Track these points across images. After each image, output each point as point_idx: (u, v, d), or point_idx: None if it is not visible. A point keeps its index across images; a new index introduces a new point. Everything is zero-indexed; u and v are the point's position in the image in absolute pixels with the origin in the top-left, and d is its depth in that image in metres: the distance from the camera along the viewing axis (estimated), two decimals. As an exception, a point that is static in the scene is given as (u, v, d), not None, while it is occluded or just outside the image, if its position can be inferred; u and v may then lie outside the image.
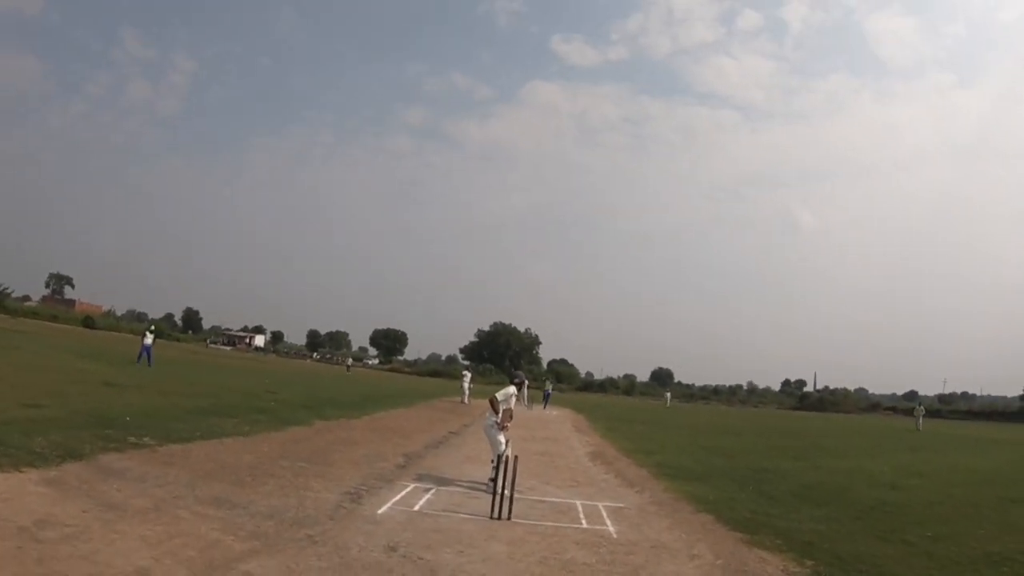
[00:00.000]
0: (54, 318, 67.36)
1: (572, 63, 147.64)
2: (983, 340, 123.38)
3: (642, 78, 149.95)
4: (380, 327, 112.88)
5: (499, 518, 7.42)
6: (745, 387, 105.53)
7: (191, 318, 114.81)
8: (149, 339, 25.85)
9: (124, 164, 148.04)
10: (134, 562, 4.75)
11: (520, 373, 10.43)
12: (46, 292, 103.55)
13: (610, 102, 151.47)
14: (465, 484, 9.50)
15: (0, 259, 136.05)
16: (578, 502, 8.92)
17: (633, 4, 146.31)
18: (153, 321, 79.32)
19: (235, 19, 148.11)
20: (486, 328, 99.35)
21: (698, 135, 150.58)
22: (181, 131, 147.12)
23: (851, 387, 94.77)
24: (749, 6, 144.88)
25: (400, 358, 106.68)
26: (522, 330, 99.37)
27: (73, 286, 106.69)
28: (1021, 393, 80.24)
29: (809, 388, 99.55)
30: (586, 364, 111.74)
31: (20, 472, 6.52)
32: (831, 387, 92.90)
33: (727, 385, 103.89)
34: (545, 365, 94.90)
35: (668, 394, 66.07)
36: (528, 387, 34.54)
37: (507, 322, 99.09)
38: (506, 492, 7.66)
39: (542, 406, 32.97)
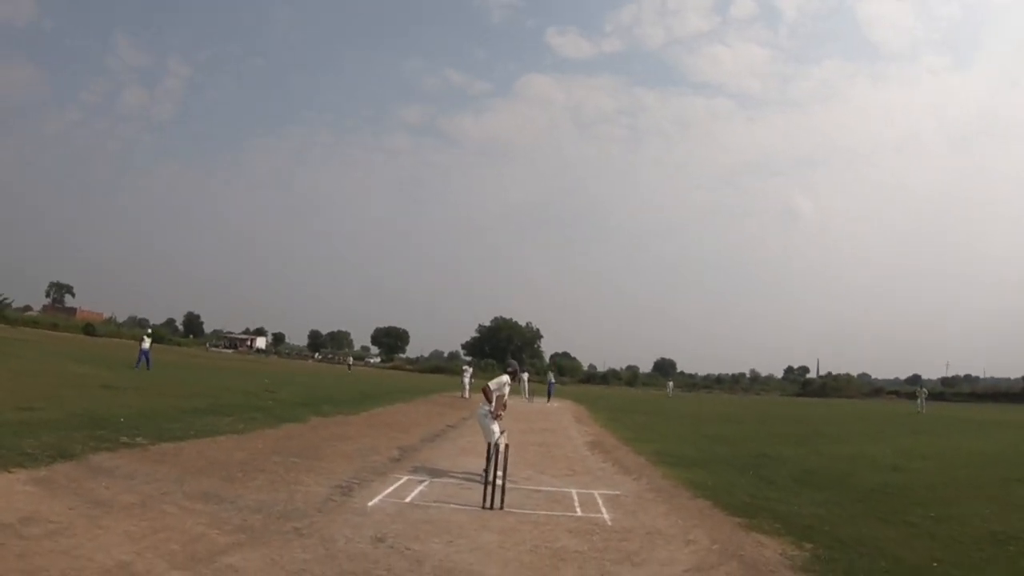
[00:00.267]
0: (54, 326, 67.39)
1: (567, 55, 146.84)
2: (985, 322, 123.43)
3: (637, 69, 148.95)
4: (381, 326, 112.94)
5: (491, 508, 7.33)
6: (748, 375, 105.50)
7: (192, 323, 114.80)
8: (147, 343, 25.95)
9: (122, 170, 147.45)
10: (115, 556, 4.71)
11: (513, 362, 10.29)
12: (47, 301, 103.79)
13: (605, 94, 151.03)
14: (459, 475, 9.41)
15: (0, 270, 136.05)
16: (573, 490, 8.83)
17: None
18: (154, 327, 79.81)
19: (229, 22, 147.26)
20: (487, 323, 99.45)
21: (694, 125, 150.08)
22: (178, 135, 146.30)
23: (854, 372, 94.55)
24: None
25: (402, 356, 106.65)
26: (523, 324, 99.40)
27: (74, 294, 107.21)
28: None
29: (812, 374, 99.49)
30: (588, 357, 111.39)
31: (9, 472, 6.53)
32: (834, 373, 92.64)
33: (730, 374, 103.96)
34: (547, 359, 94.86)
35: (670, 384, 66.01)
36: (529, 380, 34.68)
37: (508, 317, 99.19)
38: (498, 481, 7.57)
39: (545, 399, 32.87)
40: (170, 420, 11.23)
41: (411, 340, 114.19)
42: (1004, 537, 6.84)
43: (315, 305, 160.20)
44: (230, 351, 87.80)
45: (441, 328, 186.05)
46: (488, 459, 7.96)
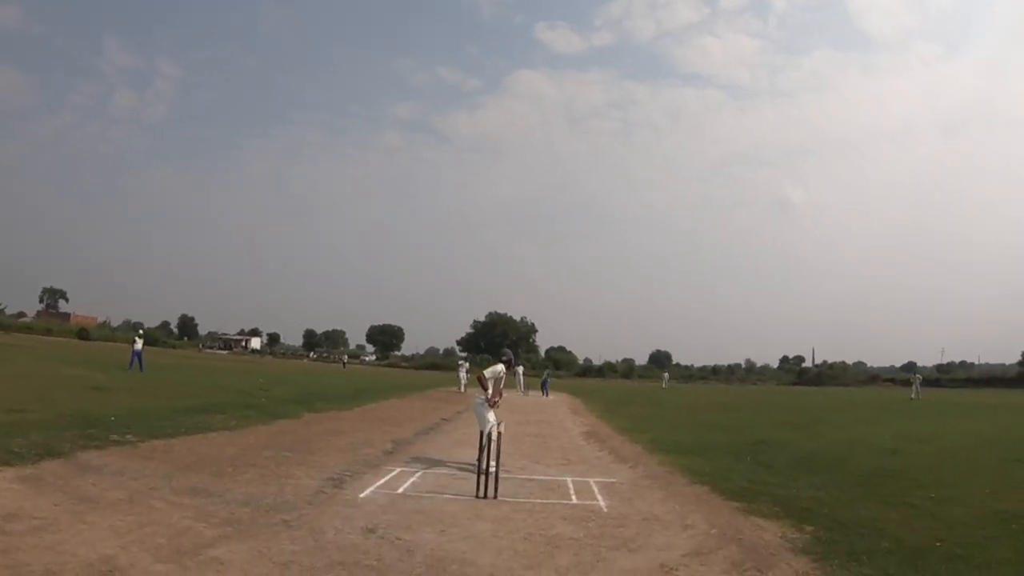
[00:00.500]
0: (48, 331, 67.23)
1: (557, 51, 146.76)
2: (979, 309, 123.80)
3: (627, 63, 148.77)
4: (376, 324, 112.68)
5: (485, 497, 7.23)
6: (743, 365, 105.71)
7: (187, 325, 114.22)
8: (139, 344, 25.83)
9: (114, 173, 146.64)
10: (99, 551, 4.64)
11: (508, 351, 10.20)
12: (40, 307, 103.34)
13: (596, 88, 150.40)
14: (453, 466, 9.33)
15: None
16: (569, 479, 8.75)
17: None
18: (148, 329, 79.36)
19: (218, 22, 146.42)
20: (482, 319, 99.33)
21: (684, 117, 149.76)
22: (169, 137, 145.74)
23: (849, 361, 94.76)
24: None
25: (397, 353, 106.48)
26: (518, 319, 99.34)
27: (67, 299, 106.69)
28: (1019, 359, 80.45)
29: (807, 364, 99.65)
30: (584, 351, 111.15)
31: (-4, 471, 6.42)
32: (829, 362, 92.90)
33: (725, 365, 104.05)
34: (543, 353, 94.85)
35: (666, 375, 66.12)
36: (524, 374, 34.58)
37: (503, 312, 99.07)
38: (491, 470, 7.47)
39: (540, 393, 32.78)
40: (161, 418, 11.11)
41: (406, 337, 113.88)
42: (1007, 516, 6.76)
43: (309, 305, 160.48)
44: (224, 352, 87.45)
45: (436, 325, 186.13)
46: (481, 448, 7.86)
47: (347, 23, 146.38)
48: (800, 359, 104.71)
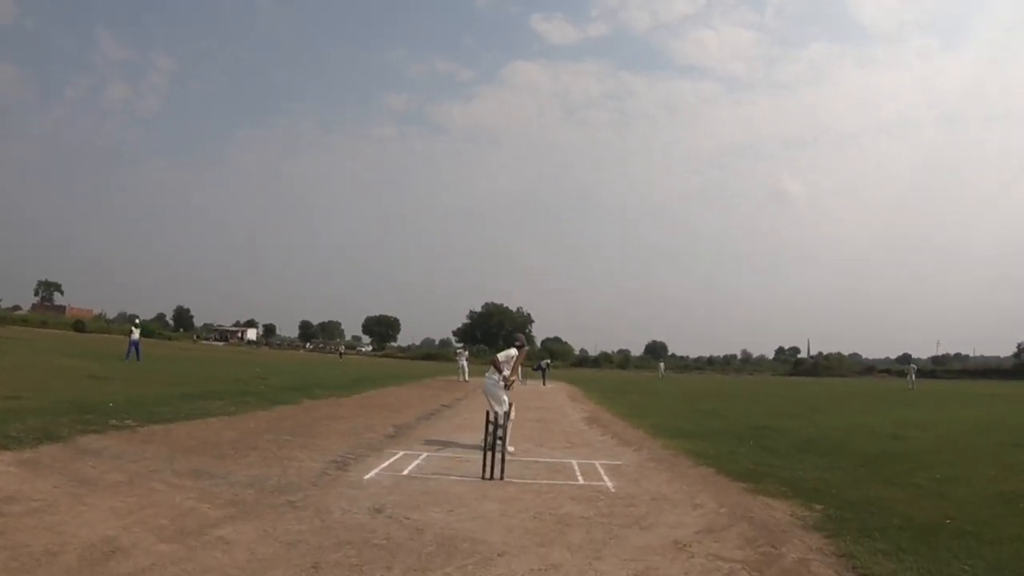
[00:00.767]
0: (43, 324, 66.90)
1: (553, 41, 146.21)
2: (976, 301, 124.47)
3: (623, 54, 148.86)
4: (372, 315, 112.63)
5: (491, 478, 7.17)
6: (739, 356, 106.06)
7: (182, 316, 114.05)
8: (136, 334, 25.66)
9: (108, 166, 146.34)
10: (100, 532, 4.54)
11: (520, 335, 10.35)
12: (36, 300, 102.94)
13: (592, 79, 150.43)
14: (457, 449, 9.28)
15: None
16: (574, 461, 8.71)
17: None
18: (144, 322, 79.04)
19: (211, 14, 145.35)
20: (478, 310, 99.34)
21: (680, 109, 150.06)
22: (163, 129, 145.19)
23: (845, 352, 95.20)
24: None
25: (393, 344, 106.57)
26: (514, 310, 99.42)
27: (62, 292, 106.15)
28: (1015, 351, 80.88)
29: (803, 355, 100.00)
30: (580, 341, 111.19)
31: (-7, 455, 6.33)
32: (825, 353, 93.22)
33: (721, 355, 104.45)
34: (539, 344, 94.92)
35: (662, 365, 66.27)
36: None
37: (499, 303, 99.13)
38: (498, 453, 7.39)
39: (540, 381, 32.78)
40: (160, 404, 11.02)
41: (402, 328, 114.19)
42: (1012, 496, 6.77)
43: (305, 296, 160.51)
44: (220, 344, 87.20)
45: (432, 316, 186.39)
46: (487, 430, 7.77)
47: (341, 14, 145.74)
48: (796, 350, 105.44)
